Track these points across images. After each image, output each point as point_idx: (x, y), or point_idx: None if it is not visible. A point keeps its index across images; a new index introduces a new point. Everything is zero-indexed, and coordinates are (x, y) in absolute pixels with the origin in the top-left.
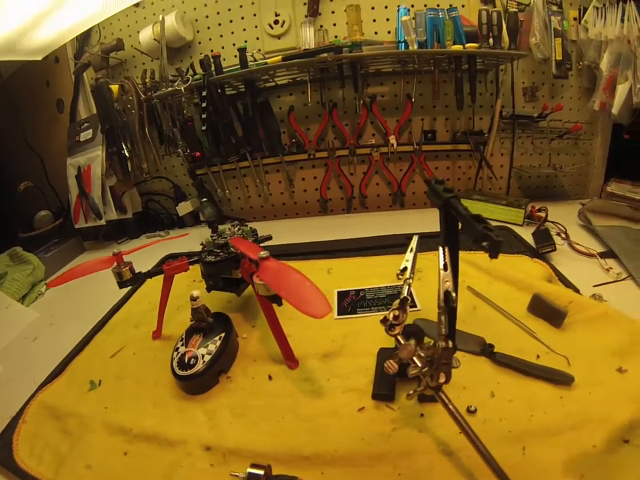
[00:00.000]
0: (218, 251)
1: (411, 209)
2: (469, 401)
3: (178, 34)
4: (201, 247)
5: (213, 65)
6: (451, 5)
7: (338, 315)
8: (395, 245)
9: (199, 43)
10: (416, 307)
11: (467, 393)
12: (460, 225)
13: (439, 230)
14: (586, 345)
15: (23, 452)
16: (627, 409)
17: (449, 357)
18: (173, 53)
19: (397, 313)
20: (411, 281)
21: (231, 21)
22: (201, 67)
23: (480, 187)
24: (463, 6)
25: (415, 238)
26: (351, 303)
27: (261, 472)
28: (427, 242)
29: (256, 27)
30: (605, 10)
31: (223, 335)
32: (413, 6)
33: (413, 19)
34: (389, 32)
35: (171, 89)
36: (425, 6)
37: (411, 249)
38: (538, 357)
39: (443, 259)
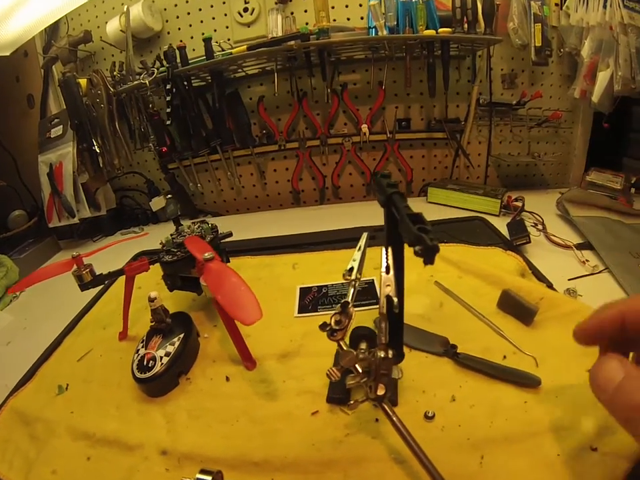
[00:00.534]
0: (175, 250)
1: None
2: (428, 405)
3: (145, 24)
4: (161, 245)
5: (178, 57)
6: None
7: (298, 313)
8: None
9: (168, 33)
10: (379, 303)
11: (426, 397)
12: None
13: None
14: (556, 343)
15: None
16: (595, 414)
17: (388, 368)
18: (142, 44)
19: (338, 317)
20: (356, 282)
21: (200, 10)
22: (165, 59)
23: (457, 176)
24: None
25: (365, 235)
26: (312, 300)
27: (209, 478)
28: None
29: (225, 15)
30: None
31: (182, 335)
32: None
33: (379, 3)
34: (362, 18)
35: (136, 82)
36: None
37: (360, 247)
38: (505, 357)
39: (385, 260)
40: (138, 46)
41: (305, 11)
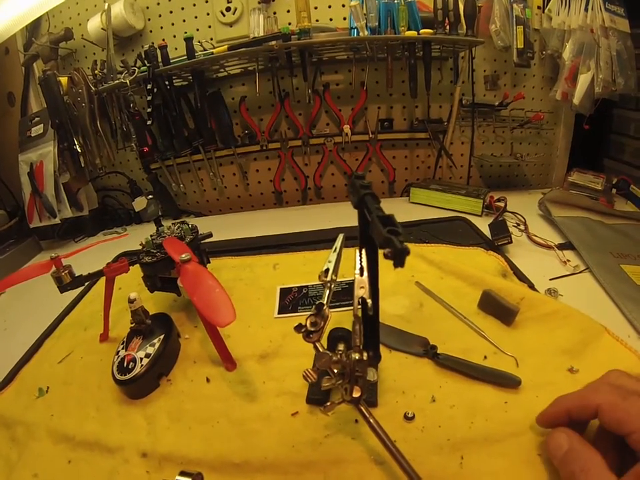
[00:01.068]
0: (155, 251)
1: None
2: (408, 406)
3: (127, 22)
4: (141, 247)
5: (159, 56)
6: None
7: (278, 313)
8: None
9: (150, 31)
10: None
11: (406, 397)
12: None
13: None
14: (536, 343)
15: None
16: None
17: (363, 370)
18: (124, 42)
19: (313, 319)
20: (331, 284)
21: (183, 8)
22: (146, 58)
23: (440, 176)
24: None
25: (341, 236)
26: (292, 300)
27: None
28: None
29: (208, 14)
30: None
31: (162, 336)
32: None
33: (360, 4)
34: (344, 18)
35: (117, 81)
36: None
37: (335, 248)
38: (485, 357)
39: (359, 262)
40: (119, 44)
41: (288, 11)
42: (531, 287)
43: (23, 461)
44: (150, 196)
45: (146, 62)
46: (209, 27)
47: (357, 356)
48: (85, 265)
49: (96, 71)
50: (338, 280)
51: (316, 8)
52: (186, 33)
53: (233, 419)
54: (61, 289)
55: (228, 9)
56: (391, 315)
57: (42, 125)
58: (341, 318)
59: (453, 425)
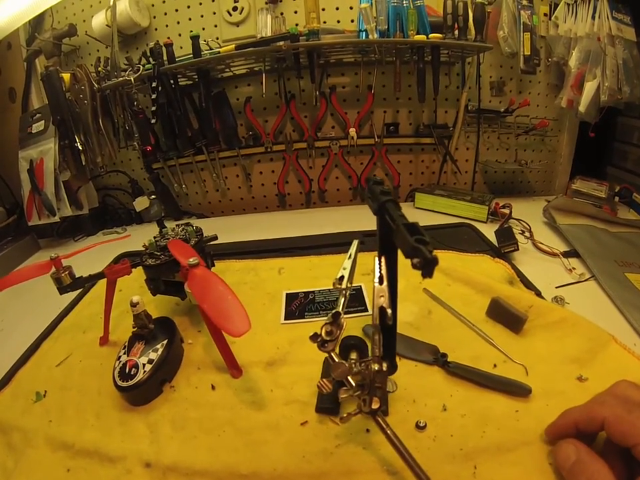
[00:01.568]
0: (158, 253)
1: None
2: (419, 415)
3: (132, 19)
4: (143, 248)
5: (165, 54)
6: None
7: (285, 319)
8: (350, 243)
9: (155, 29)
10: (367, 310)
11: (417, 406)
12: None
13: None
14: (545, 352)
15: None
16: None
17: (383, 381)
18: (128, 40)
19: (329, 328)
20: (347, 292)
21: (189, 7)
22: (151, 55)
23: (444, 182)
24: None
25: (355, 243)
26: (299, 306)
27: None
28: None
29: (214, 13)
30: (576, 6)
31: (165, 341)
32: None
33: (371, 6)
34: (352, 20)
35: (121, 79)
36: None
37: (350, 254)
38: (495, 366)
39: (378, 270)
40: (124, 42)
41: (295, 12)
42: (538, 294)
43: (20, 469)
44: (153, 196)
45: (151, 59)
46: (215, 26)
47: (376, 367)
48: (84, 265)
49: (99, 68)
50: (332, 287)
51: (323, 9)
52: (192, 31)
53: (239, 428)
54: (61, 291)
55: (235, 9)
56: (400, 322)
57: (43, 121)
58: (349, 325)
59: (464, 434)
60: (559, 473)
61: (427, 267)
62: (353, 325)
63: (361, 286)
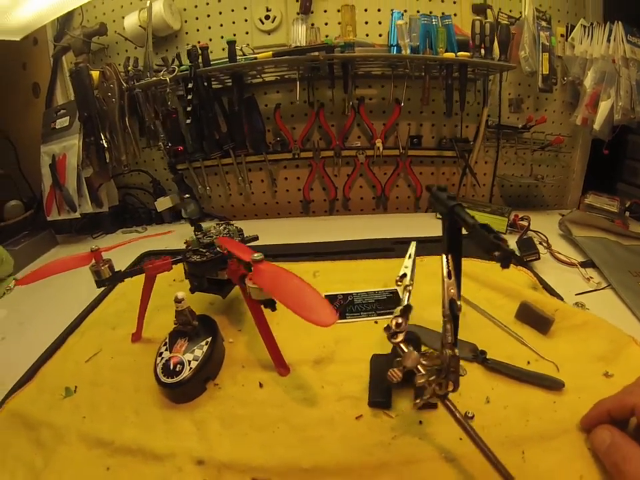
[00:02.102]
0: (204, 250)
1: (393, 212)
2: (465, 407)
3: (165, 22)
4: (185, 245)
5: (200, 57)
6: (443, 13)
7: None
8: (381, 249)
9: (186, 33)
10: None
11: (463, 399)
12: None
13: (422, 235)
14: (572, 351)
15: None
16: None
17: (456, 365)
18: (158, 42)
19: (399, 320)
20: (411, 287)
21: (220, 13)
22: (188, 57)
23: (463, 194)
24: (455, 14)
25: (413, 244)
26: (339, 307)
27: None
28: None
29: (246, 20)
30: (592, 29)
31: (209, 339)
32: (405, 11)
33: (406, 23)
34: (380, 35)
35: (155, 78)
36: (418, 12)
37: (410, 254)
38: (528, 363)
39: (446, 266)
40: (154, 43)
41: (326, 24)
42: (561, 300)
43: (51, 466)
44: (187, 195)
45: (186, 62)
46: (246, 33)
47: (451, 352)
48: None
49: (129, 68)
50: (382, 289)
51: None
52: (222, 37)
53: (293, 424)
54: (99, 284)
55: (267, 17)
56: (438, 322)
57: (68, 117)
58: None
59: (509, 423)
60: (596, 457)
61: (506, 259)
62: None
63: (396, 289)
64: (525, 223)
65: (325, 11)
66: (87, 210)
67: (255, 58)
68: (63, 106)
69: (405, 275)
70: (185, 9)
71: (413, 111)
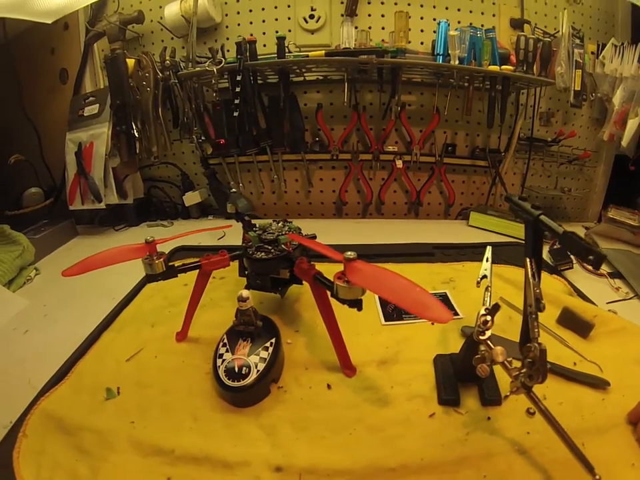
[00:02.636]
0: (269, 247)
1: (424, 219)
2: (526, 404)
3: (208, 14)
4: (244, 242)
5: (247, 51)
6: (482, 25)
7: (385, 321)
8: (421, 253)
9: (227, 26)
10: (458, 314)
11: (521, 396)
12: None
13: (456, 242)
14: (612, 354)
15: (28, 473)
16: None
17: (544, 358)
18: (198, 33)
19: (487, 318)
20: (490, 289)
21: (263, 9)
22: (237, 50)
23: (491, 203)
24: (493, 27)
25: (489, 248)
26: (395, 309)
27: None
28: (451, 253)
29: (289, 18)
30: (623, 48)
31: (273, 340)
32: (447, 20)
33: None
34: (422, 43)
35: (199, 68)
36: (459, 22)
37: (487, 258)
38: (575, 364)
39: (531, 269)
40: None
41: (369, 27)
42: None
43: (103, 476)
44: (233, 190)
45: (229, 55)
46: (289, 30)
47: (542, 346)
48: None
49: (165, 58)
50: (431, 292)
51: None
52: (264, 33)
53: (370, 425)
54: (150, 278)
55: (311, 17)
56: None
57: (97, 105)
58: (443, 326)
59: (567, 418)
60: None
61: (599, 261)
62: (447, 327)
63: (446, 292)
64: None
65: (369, 15)
66: (112, 201)
67: (307, 56)
68: (92, 93)
69: (485, 277)
70: (226, 2)
71: (449, 120)
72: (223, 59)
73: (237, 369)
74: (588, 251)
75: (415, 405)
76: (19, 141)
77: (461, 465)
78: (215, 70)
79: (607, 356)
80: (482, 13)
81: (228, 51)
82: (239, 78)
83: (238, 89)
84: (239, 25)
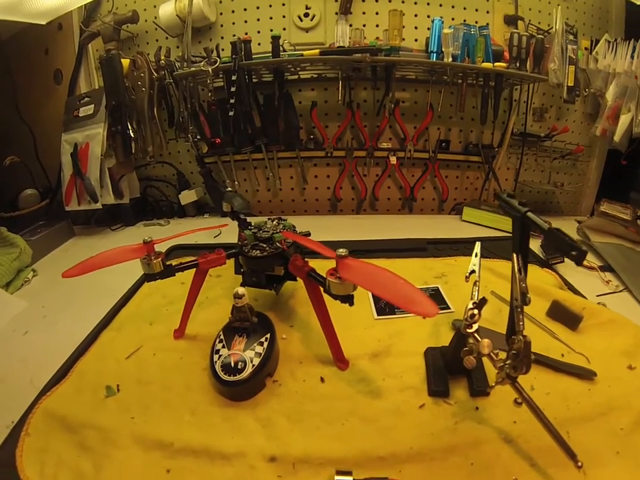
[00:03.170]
0: (264, 245)
1: (418, 214)
2: (513, 394)
3: (203, 13)
4: (239, 240)
5: (242, 50)
6: (476, 22)
7: (377, 315)
8: (414, 249)
9: (221, 25)
10: (449, 308)
11: (510, 387)
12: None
13: (449, 237)
14: (599, 345)
15: (32, 472)
16: None
17: (529, 350)
18: (193, 33)
19: (475, 312)
20: (478, 284)
21: (258, 8)
22: (232, 50)
23: (485, 198)
24: (487, 24)
25: (478, 244)
26: (387, 303)
27: (350, 478)
28: (444, 248)
29: (284, 17)
30: (616, 44)
31: (268, 335)
32: (441, 18)
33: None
34: (416, 40)
35: (194, 68)
36: (453, 19)
37: (476, 253)
38: (562, 355)
39: (517, 264)
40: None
41: (364, 25)
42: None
43: (106, 472)
44: (229, 188)
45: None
46: (284, 29)
47: (525, 339)
48: None
49: (160, 58)
50: (424, 287)
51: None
52: (259, 32)
53: (363, 415)
54: (149, 278)
55: (306, 15)
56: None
57: (92, 105)
58: (436, 320)
59: (553, 407)
60: (628, 436)
61: (581, 258)
62: (438, 320)
63: (438, 287)
64: None
65: (364, 13)
66: (109, 201)
67: (301, 55)
68: (87, 94)
69: (473, 272)
70: (220, 1)
71: (443, 116)
72: (218, 59)
73: (233, 364)
74: (571, 247)
75: (406, 396)
76: (14, 143)
77: (450, 453)
78: (210, 70)
79: (595, 347)
80: (476, 10)
81: (223, 50)
82: (234, 77)
83: (233, 89)
84: (233, 23)
